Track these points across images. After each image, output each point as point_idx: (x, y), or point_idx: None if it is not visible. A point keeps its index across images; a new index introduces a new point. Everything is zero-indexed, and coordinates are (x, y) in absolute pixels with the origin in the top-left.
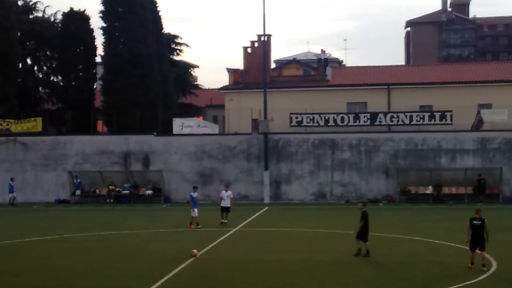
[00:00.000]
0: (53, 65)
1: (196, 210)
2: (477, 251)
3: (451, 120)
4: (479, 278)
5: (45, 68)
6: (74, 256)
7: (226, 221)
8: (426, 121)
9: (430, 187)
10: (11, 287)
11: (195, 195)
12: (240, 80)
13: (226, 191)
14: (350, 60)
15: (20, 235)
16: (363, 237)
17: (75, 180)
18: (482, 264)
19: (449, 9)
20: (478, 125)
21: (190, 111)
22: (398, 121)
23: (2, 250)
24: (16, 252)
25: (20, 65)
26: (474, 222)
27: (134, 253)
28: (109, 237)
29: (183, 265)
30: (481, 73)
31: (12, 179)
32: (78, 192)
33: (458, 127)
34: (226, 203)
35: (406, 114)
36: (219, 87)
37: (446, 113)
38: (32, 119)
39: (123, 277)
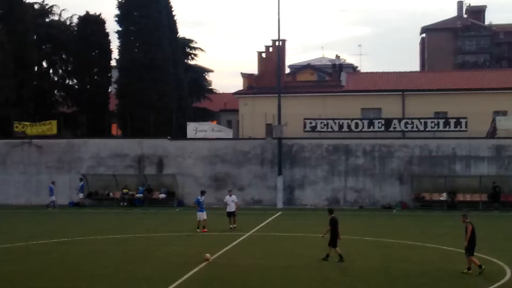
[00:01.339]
0: (69, 69)
1: (200, 213)
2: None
3: (466, 127)
4: (494, 286)
5: (60, 71)
6: (87, 259)
7: (235, 225)
8: (441, 128)
9: (445, 194)
10: None
11: (201, 199)
12: (254, 85)
13: (230, 195)
14: (365, 65)
15: (33, 237)
16: (332, 243)
17: (79, 183)
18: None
19: (465, 16)
20: (493, 132)
21: (204, 115)
22: (412, 127)
23: (15, 252)
24: (29, 254)
25: (36, 68)
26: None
27: (147, 256)
28: (122, 241)
29: (195, 269)
30: (496, 80)
31: (53, 182)
32: (81, 195)
33: (473, 134)
34: (231, 208)
35: (420, 120)
36: (233, 91)
37: (461, 120)
38: (47, 122)
39: (136, 281)
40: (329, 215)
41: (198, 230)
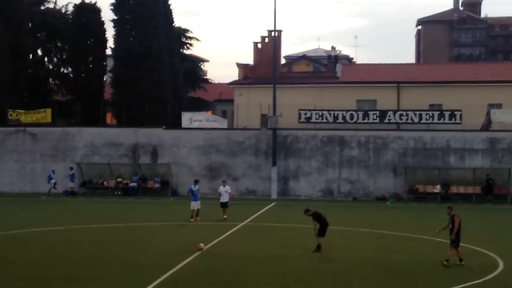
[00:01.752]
0: (64, 57)
1: (194, 203)
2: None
3: (461, 119)
4: (486, 278)
5: (55, 59)
6: (81, 247)
7: (225, 216)
8: (436, 120)
9: (438, 186)
10: (18, 277)
11: (195, 188)
12: (249, 75)
13: (224, 186)
14: (361, 57)
15: (28, 225)
16: (321, 234)
17: (70, 172)
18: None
19: (461, 8)
20: (487, 125)
21: (199, 105)
22: (407, 119)
23: (9, 239)
24: (23, 242)
25: (31, 56)
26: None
27: (141, 245)
28: (116, 229)
29: (189, 259)
30: (492, 73)
31: (53, 171)
32: (72, 184)
33: (467, 126)
34: (224, 198)
35: (415, 112)
36: (228, 81)
37: (455, 112)
38: (42, 110)
39: (130, 269)
40: (308, 214)
41: (192, 219)
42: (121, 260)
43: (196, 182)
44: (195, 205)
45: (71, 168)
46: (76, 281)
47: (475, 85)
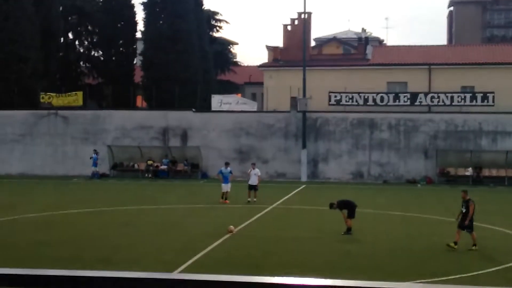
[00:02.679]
0: (94, 40)
1: (224, 185)
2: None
3: (493, 101)
4: None
5: (86, 43)
6: (111, 229)
7: (255, 199)
8: (468, 102)
9: (470, 169)
10: (50, 259)
11: (225, 170)
12: (279, 58)
13: (254, 169)
14: (391, 39)
15: (58, 207)
16: (350, 216)
17: (94, 155)
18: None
19: None
20: None
21: (229, 88)
22: (438, 101)
23: (41, 221)
24: (55, 224)
25: (62, 39)
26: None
27: (171, 227)
28: (146, 212)
29: (219, 241)
30: None
31: (95, 151)
32: (95, 168)
33: (500, 108)
34: (252, 181)
35: (447, 94)
36: (258, 64)
37: (488, 94)
38: (73, 93)
39: (160, 251)
40: (334, 207)
41: (221, 200)
42: (151, 242)
43: (226, 164)
44: (225, 187)
45: (95, 151)
46: (107, 262)
47: (508, 67)
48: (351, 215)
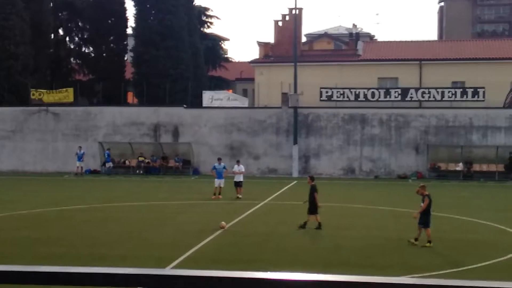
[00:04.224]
0: (85, 36)
1: (218, 181)
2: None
3: (484, 96)
4: (508, 256)
5: (76, 39)
6: (104, 225)
7: (240, 196)
8: (458, 98)
9: (461, 164)
10: (42, 256)
11: (219, 166)
12: (270, 54)
13: (238, 165)
14: (382, 35)
15: (50, 204)
16: (311, 211)
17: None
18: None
19: None
20: (511, 102)
21: (220, 84)
22: (429, 97)
23: (32, 218)
24: (47, 221)
25: (52, 35)
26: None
27: (163, 224)
28: (138, 208)
29: (211, 237)
30: None
31: (80, 148)
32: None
33: (490, 104)
34: (238, 177)
35: (437, 90)
36: (249, 60)
37: (478, 90)
38: (64, 89)
39: (152, 247)
40: (310, 182)
41: (213, 197)
42: (143, 238)
43: (219, 160)
44: (218, 182)
45: (80, 148)
46: (100, 259)
47: (498, 62)
48: (312, 210)
